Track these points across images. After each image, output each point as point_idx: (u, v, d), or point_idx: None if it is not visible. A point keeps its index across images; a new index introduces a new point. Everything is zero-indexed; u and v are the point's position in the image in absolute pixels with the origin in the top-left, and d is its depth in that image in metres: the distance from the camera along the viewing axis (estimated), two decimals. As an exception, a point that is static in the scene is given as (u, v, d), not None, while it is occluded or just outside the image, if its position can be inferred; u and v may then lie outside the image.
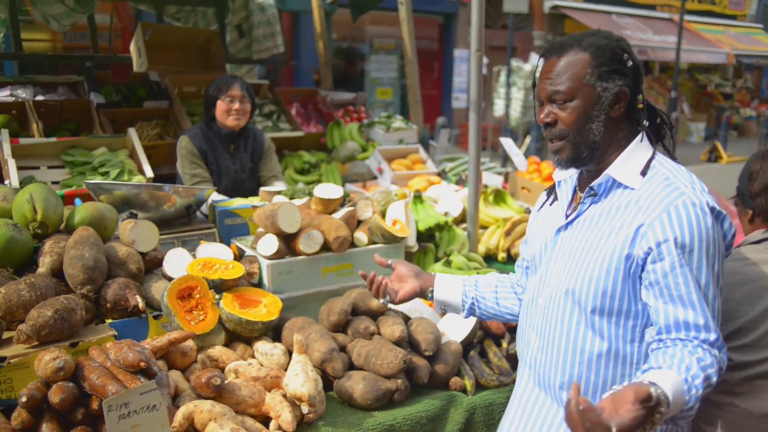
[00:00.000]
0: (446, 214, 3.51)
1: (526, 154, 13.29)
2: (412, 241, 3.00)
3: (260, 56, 5.88)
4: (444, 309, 2.19)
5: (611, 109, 1.71)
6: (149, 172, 3.83)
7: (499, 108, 15.24)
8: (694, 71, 22.29)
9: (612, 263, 1.67)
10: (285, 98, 5.35)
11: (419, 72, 5.08)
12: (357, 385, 2.25)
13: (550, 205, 1.99)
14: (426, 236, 3.17)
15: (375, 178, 4.61)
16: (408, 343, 2.46)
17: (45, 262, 2.36)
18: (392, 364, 2.25)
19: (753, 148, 17.57)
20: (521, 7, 12.85)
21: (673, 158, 1.80)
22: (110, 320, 2.33)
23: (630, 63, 1.72)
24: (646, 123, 1.76)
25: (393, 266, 2.20)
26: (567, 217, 1.86)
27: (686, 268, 1.58)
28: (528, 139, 14.17)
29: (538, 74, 1.80)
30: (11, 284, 2.16)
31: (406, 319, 2.60)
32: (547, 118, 1.75)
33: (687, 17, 17.48)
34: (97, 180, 3.33)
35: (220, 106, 3.74)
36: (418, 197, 3.28)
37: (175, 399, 2.12)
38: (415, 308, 2.68)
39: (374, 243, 2.85)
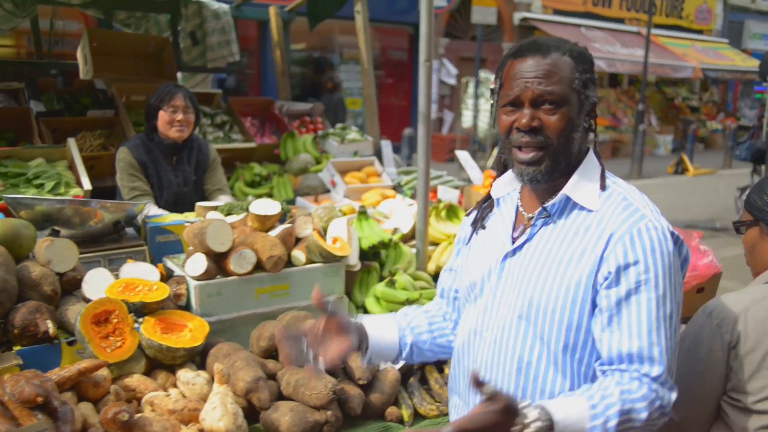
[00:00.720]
0: (395, 230, 3.39)
1: (494, 167, 13.31)
2: (354, 260, 2.87)
3: (215, 64, 5.73)
4: (373, 362, 1.85)
5: (585, 120, 1.60)
6: (87, 184, 3.65)
7: (467, 119, 15.20)
8: (662, 84, 22.53)
9: (579, 293, 1.53)
10: (239, 108, 5.20)
11: (389, 82, 4.95)
12: (284, 417, 2.10)
13: (481, 227, 1.81)
14: (371, 254, 3.04)
15: (328, 191, 4.48)
16: (342, 370, 2.32)
17: (-52, 284, 2.18)
18: (321, 395, 2.11)
19: (719, 160, 17.80)
20: (490, 18, 12.84)
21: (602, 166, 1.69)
22: (18, 347, 2.16)
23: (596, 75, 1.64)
24: (593, 136, 1.66)
25: (330, 310, 1.72)
26: (514, 240, 1.68)
27: (644, 295, 1.47)
28: (496, 151, 14.15)
29: (514, 73, 1.58)
30: None
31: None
32: (534, 122, 1.54)
33: (654, 31, 17.65)
34: (18, 194, 3.13)
35: (162, 116, 3.56)
36: (363, 213, 3.15)
37: (83, 435, 1.95)
38: (354, 332, 2.54)
39: (313, 262, 2.71)
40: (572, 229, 1.57)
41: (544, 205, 1.62)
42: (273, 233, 2.69)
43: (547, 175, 1.58)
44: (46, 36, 4.69)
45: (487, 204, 1.84)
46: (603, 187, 1.60)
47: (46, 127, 4.12)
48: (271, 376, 2.29)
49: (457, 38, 17.87)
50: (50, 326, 2.14)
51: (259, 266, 2.59)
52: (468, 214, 1.90)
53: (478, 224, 1.81)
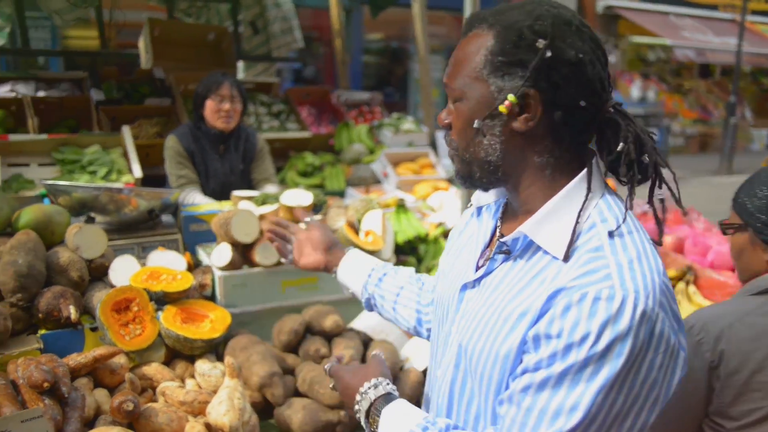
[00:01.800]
0: (440, 224, 3.27)
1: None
2: (387, 254, 2.78)
3: (279, 52, 5.73)
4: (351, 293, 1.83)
5: (514, 120, 1.16)
6: (138, 172, 3.72)
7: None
8: (759, 75, 21.23)
9: (507, 361, 1.16)
10: (298, 98, 5.19)
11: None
12: (296, 414, 2.05)
13: (458, 234, 1.49)
14: (407, 249, 2.94)
15: (380, 182, 4.40)
16: (362, 368, 2.24)
17: (-22, 267, 2.24)
18: (334, 394, 2.04)
19: (819, 156, 16.61)
20: (569, 6, 12.38)
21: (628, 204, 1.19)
22: (44, 331, 2.19)
23: (548, 53, 1.11)
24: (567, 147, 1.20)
25: (308, 227, 1.91)
26: (477, 267, 1.33)
27: (544, 390, 1.06)
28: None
29: None
30: (-70, 291, 2.04)
31: (367, 341, 2.39)
32: (447, 119, 1.27)
33: (750, 18, 16.64)
34: (60, 181, 3.21)
35: (209, 105, 3.56)
36: (401, 206, 3.05)
37: (94, 421, 1.96)
38: (381, 329, 2.46)
39: (343, 255, 2.64)
40: (528, 277, 1.18)
41: (503, 240, 1.23)
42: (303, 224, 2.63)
43: (462, 179, 1.29)
44: (110, 26, 4.81)
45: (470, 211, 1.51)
46: (577, 221, 1.15)
47: (105, 115, 4.22)
48: (290, 371, 2.24)
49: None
50: (72, 311, 2.16)
51: (286, 258, 2.54)
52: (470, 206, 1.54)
53: (466, 222, 1.50)
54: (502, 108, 1.15)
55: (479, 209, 1.43)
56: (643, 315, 1.03)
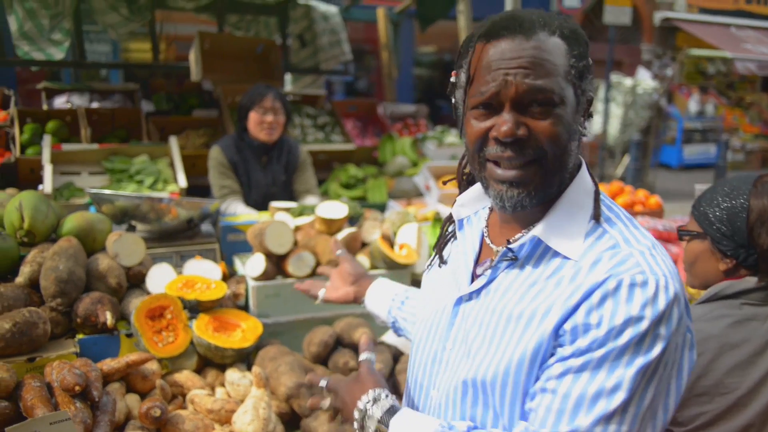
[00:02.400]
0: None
1: (624, 176, 12.56)
2: (421, 268, 2.76)
3: (328, 65, 5.79)
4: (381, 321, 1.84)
5: (582, 124, 1.19)
6: (183, 182, 3.80)
7: (596, 125, 14.51)
8: (826, 89, 20.41)
9: (536, 365, 1.13)
10: (344, 110, 5.23)
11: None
12: (322, 426, 2.04)
13: (439, 255, 1.45)
14: (443, 263, 2.91)
15: (422, 195, 4.38)
16: (389, 382, 2.23)
17: (24, 272, 2.31)
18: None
19: None
20: (623, 18, 12.14)
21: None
22: (81, 336, 2.25)
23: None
24: (580, 157, 1.23)
25: (339, 260, 1.94)
26: (473, 279, 1.29)
27: (588, 373, 1.06)
28: (626, 159, 13.41)
29: (487, 61, 1.14)
30: (-23, 294, 2.12)
31: (398, 355, 2.37)
32: (520, 130, 1.12)
33: (817, 30, 16.04)
34: (105, 190, 3.30)
35: (253, 117, 3.62)
36: (438, 219, 3.03)
37: (125, 426, 1.99)
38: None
39: (376, 268, 2.63)
40: (541, 279, 1.17)
41: (510, 246, 1.21)
42: (338, 237, 2.64)
43: (536, 200, 1.18)
44: (162, 39, 4.95)
45: (450, 225, 1.47)
46: (596, 219, 1.17)
47: (154, 125, 4.34)
48: (319, 383, 2.23)
49: (592, 40, 17.13)
50: (109, 317, 2.21)
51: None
52: (435, 247, 1.50)
53: (440, 249, 1.46)
54: (582, 111, 1.18)
55: (461, 222, 1.40)
56: (675, 296, 1.07)
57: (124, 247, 2.44)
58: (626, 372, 1.03)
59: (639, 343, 1.04)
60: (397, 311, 1.75)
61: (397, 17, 5.77)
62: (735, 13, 17.49)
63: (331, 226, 2.67)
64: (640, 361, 1.04)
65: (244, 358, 2.32)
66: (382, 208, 4.20)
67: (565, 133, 1.14)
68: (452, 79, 1.28)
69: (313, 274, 2.53)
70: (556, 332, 1.11)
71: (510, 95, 1.12)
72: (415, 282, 2.79)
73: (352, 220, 2.84)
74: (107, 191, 2.84)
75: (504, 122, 1.13)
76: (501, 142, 1.14)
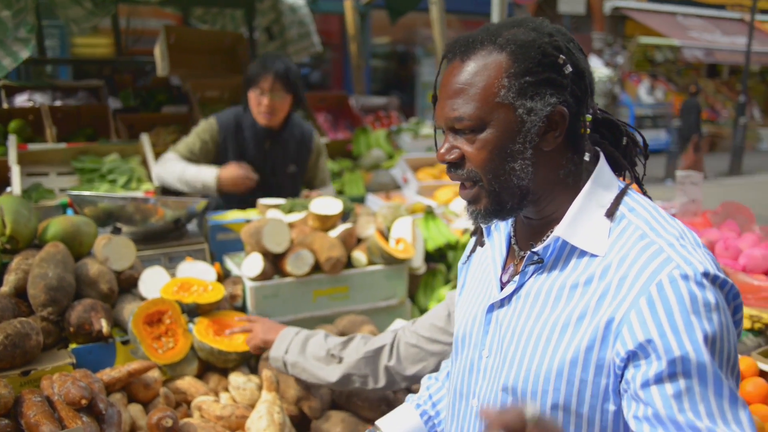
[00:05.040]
0: (465, 230, 3.22)
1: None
2: (418, 262, 2.73)
3: (298, 57, 5.68)
4: None
5: (542, 140, 1.16)
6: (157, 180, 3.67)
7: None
8: (767, 74, 21.14)
9: (576, 372, 1.12)
10: (313, 103, 5.16)
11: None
12: (335, 428, 2.00)
13: (468, 255, 1.47)
14: (437, 256, 2.89)
15: (400, 188, 4.35)
16: (398, 380, 2.19)
17: (9, 281, 2.20)
18: (373, 406, 2.00)
19: (830, 155, 16.51)
20: (578, 8, 12.34)
21: (645, 195, 1.27)
22: (74, 345, 2.15)
23: (568, 68, 1.14)
24: (587, 157, 1.19)
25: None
26: (502, 286, 1.29)
27: (688, 381, 1.01)
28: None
29: (438, 82, 1.23)
30: (-40, 306, 2.00)
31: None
32: (451, 155, 1.19)
33: (759, 17, 16.56)
34: (89, 190, 3.17)
35: (251, 98, 3.16)
36: (430, 213, 3.01)
37: (131, 437, 1.92)
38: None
39: (374, 264, 2.60)
40: (570, 281, 1.16)
41: (534, 249, 1.21)
42: (333, 233, 2.59)
43: (490, 215, 1.21)
44: (124, 34, 4.78)
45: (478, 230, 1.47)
46: (611, 214, 1.17)
47: (122, 123, 4.20)
48: (325, 384, 2.19)
49: (543, 30, 17.32)
50: (104, 325, 2.12)
51: (317, 267, 2.50)
52: (473, 233, 1.49)
53: (471, 253, 1.47)
54: (534, 130, 1.14)
55: (488, 229, 1.40)
56: (716, 279, 1.05)
57: (114, 250, 2.34)
58: (716, 375, 1.01)
59: (712, 338, 1.02)
60: (433, 410, 1.61)
61: (364, 8, 5.71)
62: (681, 2, 17.94)
63: (326, 223, 2.62)
64: (715, 352, 1.02)
65: (247, 361, 2.26)
66: (360, 201, 4.16)
67: (497, 156, 1.15)
68: (432, 95, 1.33)
69: (311, 272, 2.47)
70: (602, 343, 1.09)
71: (443, 124, 1.20)
72: (412, 277, 2.76)
73: (344, 216, 2.79)
74: (90, 192, 2.73)
75: (441, 146, 1.21)
76: (442, 163, 1.22)
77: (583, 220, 1.17)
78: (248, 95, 3.18)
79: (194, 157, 3.25)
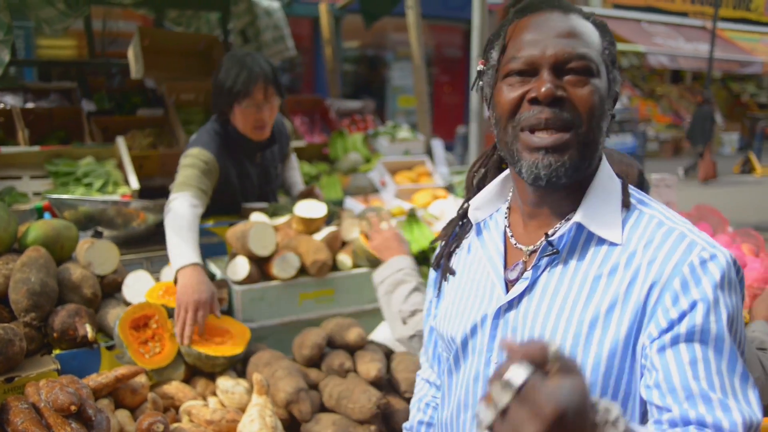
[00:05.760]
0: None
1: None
2: (402, 265, 2.74)
3: (273, 61, 5.66)
4: None
5: (609, 111, 1.18)
6: (135, 183, 3.63)
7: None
8: (728, 80, 21.66)
9: (614, 364, 1.09)
10: (289, 107, 5.13)
11: (443, 80, 4.81)
12: (325, 430, 2.00)
13: (449, 253, 1.38)
14: (420, 258, 2.90)
15: (378, 191, 4.36)
16: (387, 382, 2.20)
17: (-11, 286, 2.15)
18: (365, 408, 2.00)
19: (789, 160, 16.97)
20: (546, 13, 12.49)
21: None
22: (58, 351, 2.11)
23: (614, 53, 1.20)
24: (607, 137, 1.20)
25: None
26: (508, 285, 1.23)
27: (712, 350, 1.03)
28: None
29: (524, 33, 1.14)
30: (-59, 312, 1.96)
31: (389, 353, 2.35)
32: (559, 91, 1.10)
33: (720, 25, 16.97)
34: (66, 194, 3.11)
35: (240, 114, 2.69)
36: (412, 216, 3.02)
37: (119, 444, 1.89)
38: (401, 341, 2.42)
39: (359, 267, 2.60)
40: (592, 272, 1.13)
41: (549, 238, 1.16)
42: (318, 236, 2.59)
43: (571, 171, 1.13)
44: (99, 36, 4.70)
45: (460, 230, 1.39)
46: (627, 206, 1.17)
47: (96, 126, 4.13)
48: (313, 386, 2.18)
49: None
50: (89, 330, 2.09)
51: (303, 270, 2.49)
52: (438, 239, 1.45)
53: (446, 257, 1.39)
54: (613, 98, 1.18)
55: (478, 226, 1.34)
56: (735, 262, 1.09)
57: (97, 254, 2.31)
58: (736, 337, 1.05)
59: (736, 314, 1.06)
60: None
61: (338, 12, 5.71)
62: (645, 9, 18.29)
63: (310, 226, 2.62)
64: (738, 326, 1.06)
65: (235, 365, 2.24)
66: (338, 204, 4.16)
67: (600, 107, 1.13)
68: (479, 67, 1.25)
69: (297, 275, 2.47)
70: (637, 330, 1.08)
71: (549, 59, 1.11)
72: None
73: (329, 219, 2.79)
74: (70, 196, 2.69)
75: (543, 82, 1.10)
76: (539, 102, 1.11)
77: (599, 207, 1.16)
78: (233, 109, 2.71)
79: (208, 193, 2.65)
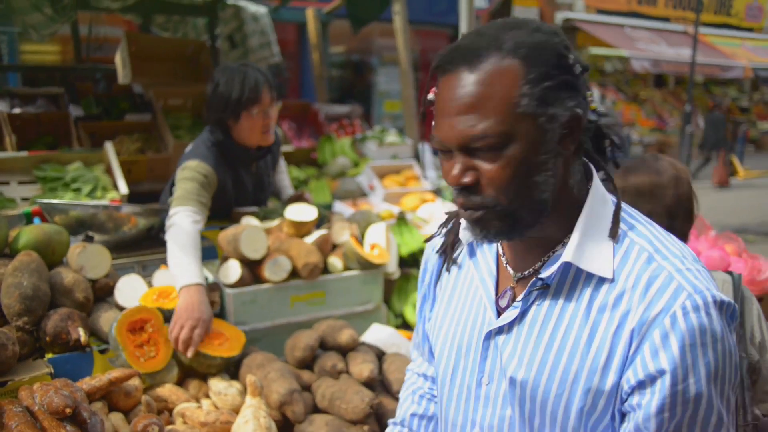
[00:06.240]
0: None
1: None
2: (392, 267, 2.77)
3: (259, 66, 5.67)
4: None
5: (562, 148, 1.08)
6: (124, 188, 3.62)
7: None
8: (710, 84, 21.92)
9: (599, 403, 1.09)
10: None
11: (431, 86, 4.84)
12: (319, 431, 2.02)
13: (443, 268, 1.36)
14: (410, 261, 2.94)
15: (366, 195, 4.39)
16: (380, 383, 2.23)
17: (-19, 291, 2.15)
18: (358, 408, 2.02)
19: (770, 162, 17.22)
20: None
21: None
22: (51, 355, 2.11)
23: (578, 68, 1.08)
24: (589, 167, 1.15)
25: None
26: (499, 311, 1.22)
27: (684, 408, 1.03)
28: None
29: (440, 99, 1.09)
30: (-67, 317, 1.96)
31: (380, 354, 2.37)
32: (467, 177, 1.07)
33: (702, 30, 17.15)
34: (55, 199, 3.11)
35: (247, 121, 2.67)
36: (402, 219, 3.05)
37: (113, 447, 1.90)
38: (392, 342, 2.45)
39: (350, 269, 2.62)
40: (582, 307, 1.11)
41: (540, 276, 1.14)
42: (309, 239, 2.61)
43: (506, 236, 1.12)
44: (85, 41, 4.69)
45: (454, 241, 1.35)
46: (614, 235, 1.12)
47: (84, 131, 4.12)
48: (306, 388, 2.21)
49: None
50: (82, 334, 2.09)
51: (294, 273, 2.51)
52: (431, 239, 1.44)
53: (450, 246, 1.35)
54: (556, 138, 1.06)
55: (470, 246, 1.31)
56: (722, 305, 1.04)
57: (89, 259, 2.31)
58: (715, 401, 1.03)
59: (716, 369, 1.03)
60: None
61: (325, 18, 5.73)
62: (628, 14, 18.47)
63: (301, 229, 2.64)
64: (721, 382, 1.04)
65: (228, 367, 2.26)
66: (327, 208, 4.18)
67: (523, 172, 1.06)
68: (430, 96, 1.21)
69: (289, 278, 2.48)
70: (620, 374, 1.07)
71: (454, 143, 1.06)
72: (386, 282, 2.79)
73: (319, 222, 2.81)
74: (60, 201, 2.69)
75: (452, 165, 1.08)
76: (453, 186, 1.10)
77: (588, 241, 1.11)
78: (239, 118, 2.68)
79: (208, 206, 2.65)
